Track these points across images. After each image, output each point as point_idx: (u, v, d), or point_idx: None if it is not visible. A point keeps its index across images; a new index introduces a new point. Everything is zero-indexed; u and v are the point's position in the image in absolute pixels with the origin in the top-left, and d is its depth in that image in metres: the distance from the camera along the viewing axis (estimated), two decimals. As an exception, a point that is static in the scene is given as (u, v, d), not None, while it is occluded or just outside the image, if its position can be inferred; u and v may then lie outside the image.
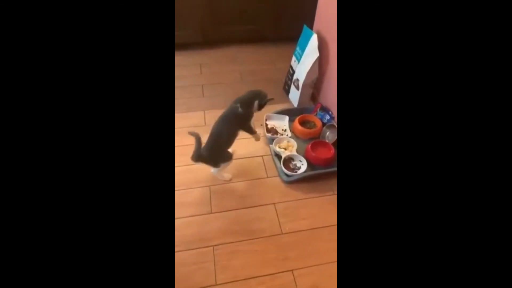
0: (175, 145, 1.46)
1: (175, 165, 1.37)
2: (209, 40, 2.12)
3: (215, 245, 1.10)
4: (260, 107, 1.22)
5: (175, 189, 1.28)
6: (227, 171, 1.33)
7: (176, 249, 1.08)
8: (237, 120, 1.21)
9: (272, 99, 1.24)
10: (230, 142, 1.24)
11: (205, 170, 1.36)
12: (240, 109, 1.18)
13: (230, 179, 1.33)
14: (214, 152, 1.21)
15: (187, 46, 2.10)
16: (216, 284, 1.00)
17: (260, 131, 1.54)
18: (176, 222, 1.17)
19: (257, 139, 1.34)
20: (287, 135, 1.52)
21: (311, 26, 1.59)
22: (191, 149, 1.45)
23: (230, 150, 1.28)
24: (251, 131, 1.28)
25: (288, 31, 1.97)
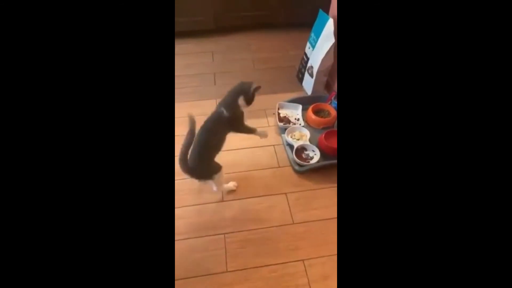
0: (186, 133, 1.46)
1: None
2: (221, 27, 2.08)
3: (227, 233, 1.11)
4: (248, 101, 1.05)
5: (187, 177, 1.28)
6: (227, 181, 1.23)
7: (187, 236, 1.10)
8: (226, 125, 1.07)
9: (259, 87, 1.05)
10: (218, 150, 1.11)
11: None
12: (225, 113, 1.04)
13: (236, 186, 1.25)
14: (204, 163, 1.09)
15: (199, 33, 2.07)
16: (227, 271, 1.01)
17: (271, 120, 1.52)
18: (188, 209, 1.18)
19: (263, 136, 1.18)
20: (300, 124, 1.49)
21: (326, 11, 1.52)
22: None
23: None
24: (249, 131, 1.14)
25: (302, 16, 1.90)
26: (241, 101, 1.05)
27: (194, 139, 1.04)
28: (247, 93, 1.05)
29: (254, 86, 1.04)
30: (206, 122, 1.07)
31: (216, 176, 1.11)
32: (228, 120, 1.06)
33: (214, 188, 1.20)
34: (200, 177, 1.11)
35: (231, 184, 1.24)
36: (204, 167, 1.09)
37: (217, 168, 1.12)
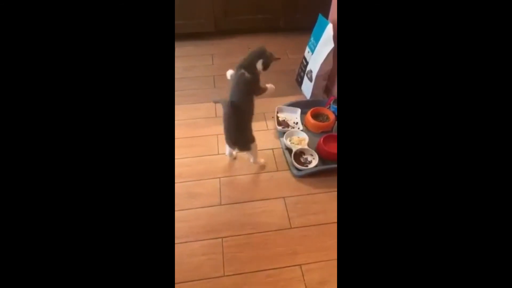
0: (186, 136, 1.46)
1: (186, 156, 1.37)
2: (221, 29, 2.08)
3: (224, 237, 1.11)
4: (266, 67, 1.13)
5: (185, 180, 1.28)
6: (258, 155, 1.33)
7: (185, 239, 1.10)
8: (248, 86, 1.13)
9: (278, 58, 1.17)
10: (251, 113, 1.19)
11: (215, 161, 1.36)
12: (247, 74, 1.10)
13: (265, 163, 1.35)
14: (242, 132, 1.18)
15: (199, 35, 2.08)
16: (224, 276, 1.01)
17: (270, 124, 1.53)
18: (186, 212, 1.18)
19: (273, 89, 1.22)
20: (298, 128, 1.49)
21: (326, 16, 1.53)
22: (202, 140, 1.45)
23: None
24: (264, 90, 1.20)
25: (302, 21, 1.91)
26: (259, 64, 1.12)
27: (224, 110, 1.15)
28: (267, 58, 1.13)
29: (274, 55, 1.16)
30: (232, 89, 1.15)
31: (253, 146, 1.23)
32: (250, 81, 1.13)
33: (251, 160, 1.31)
34: (242, 148, 1.24)
35: (262, 160, 1.34)
36: (242, 136, 1.20)
37: (253, 138, 1.22)
